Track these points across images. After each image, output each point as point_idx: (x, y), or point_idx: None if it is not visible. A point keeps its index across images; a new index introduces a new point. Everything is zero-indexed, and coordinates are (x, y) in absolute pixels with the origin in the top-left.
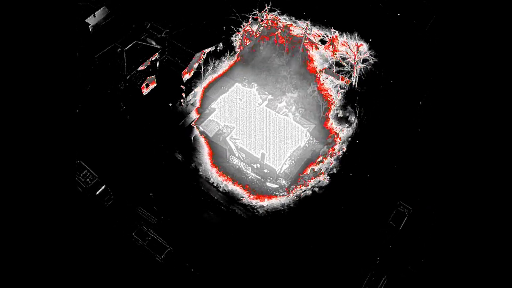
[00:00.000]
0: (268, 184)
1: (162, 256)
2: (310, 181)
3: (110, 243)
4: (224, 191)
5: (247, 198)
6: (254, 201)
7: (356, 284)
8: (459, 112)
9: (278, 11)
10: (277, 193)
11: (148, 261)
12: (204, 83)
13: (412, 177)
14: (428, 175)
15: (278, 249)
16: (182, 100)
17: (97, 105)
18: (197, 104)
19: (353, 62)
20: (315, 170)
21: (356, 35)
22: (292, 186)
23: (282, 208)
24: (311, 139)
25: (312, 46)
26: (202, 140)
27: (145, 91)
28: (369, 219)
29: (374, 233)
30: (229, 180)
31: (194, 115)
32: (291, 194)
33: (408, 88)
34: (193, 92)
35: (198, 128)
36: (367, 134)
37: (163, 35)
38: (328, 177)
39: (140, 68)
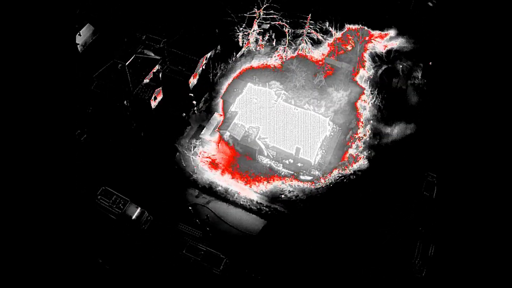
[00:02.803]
0: (301, 177)
1: (221, 268)
2: (347, 166)
3: (161, 266)
4: (261, 191)
5: (286, 194)
6: (294, 196)
7: (408, 256)
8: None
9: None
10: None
11: (205, 275)
12: (223, 86)
13: (433, 148)
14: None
15: (327, 234)
16: (195, 108)
17: (105, 126)
18: (219, 110)
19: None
20: (349, 155)
21: (359, 23)
22: (326, 175)
23: (321, 197)
24: (335, 127)
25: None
26: (220, 144)
27: (154, 104)
28: (403, 192)
29: (411, 205)
30: (264, 180)
31: (214, 121)
32: (328, 182)
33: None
34: (203, 98)
35: (220, 133)
36: (385, 114)
37: (161, 45)
38: (365, 160)
39: (144, 81)
